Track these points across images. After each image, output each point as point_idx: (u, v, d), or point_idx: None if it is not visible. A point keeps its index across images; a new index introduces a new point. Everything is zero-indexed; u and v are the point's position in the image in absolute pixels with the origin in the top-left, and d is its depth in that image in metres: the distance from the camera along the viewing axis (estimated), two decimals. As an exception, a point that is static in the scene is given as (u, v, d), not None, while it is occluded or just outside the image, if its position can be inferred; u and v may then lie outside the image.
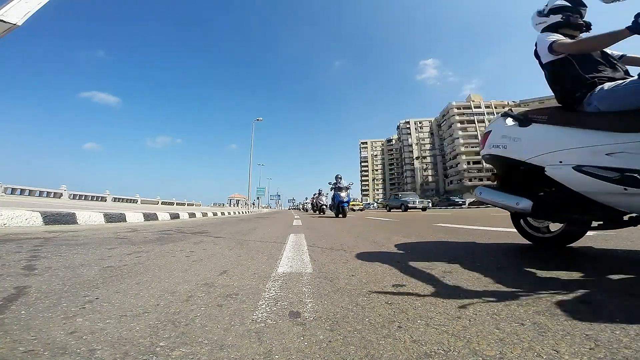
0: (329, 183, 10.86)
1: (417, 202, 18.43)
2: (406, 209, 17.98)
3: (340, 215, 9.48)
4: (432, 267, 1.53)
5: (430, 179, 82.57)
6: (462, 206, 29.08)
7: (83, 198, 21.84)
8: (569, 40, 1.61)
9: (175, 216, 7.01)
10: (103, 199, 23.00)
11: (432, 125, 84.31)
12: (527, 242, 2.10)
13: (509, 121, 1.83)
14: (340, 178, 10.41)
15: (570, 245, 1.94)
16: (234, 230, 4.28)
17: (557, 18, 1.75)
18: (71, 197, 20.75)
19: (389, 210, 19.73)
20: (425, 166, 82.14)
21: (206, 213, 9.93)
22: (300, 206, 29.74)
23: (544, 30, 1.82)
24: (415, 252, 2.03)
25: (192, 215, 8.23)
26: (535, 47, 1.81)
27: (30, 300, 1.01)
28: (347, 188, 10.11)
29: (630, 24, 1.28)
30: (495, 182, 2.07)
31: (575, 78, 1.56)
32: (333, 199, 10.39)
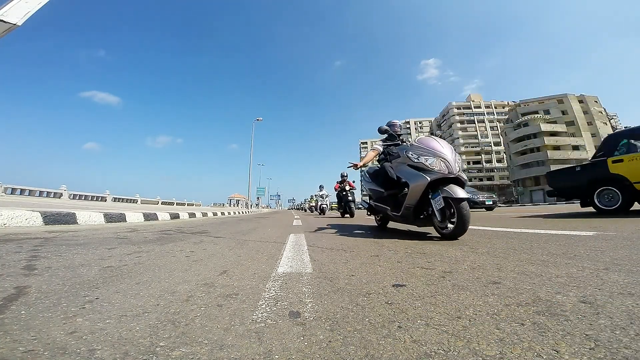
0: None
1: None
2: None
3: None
4: (432, 267, 1.53)
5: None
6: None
7: (83, 198, 21.84)
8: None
9: (175, 216, 7.01)
10: (103, 199, 22.99)
11: (432, 125, 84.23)
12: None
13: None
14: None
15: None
16: (234, 230, 4.28)
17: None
18: (71, 197, 20.74)
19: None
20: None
21: (206, 213, 9.93)
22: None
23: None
24: (416, 252, 2.03)
25: (192, 215, 8.22)
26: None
27: (30, 300, 1.01)
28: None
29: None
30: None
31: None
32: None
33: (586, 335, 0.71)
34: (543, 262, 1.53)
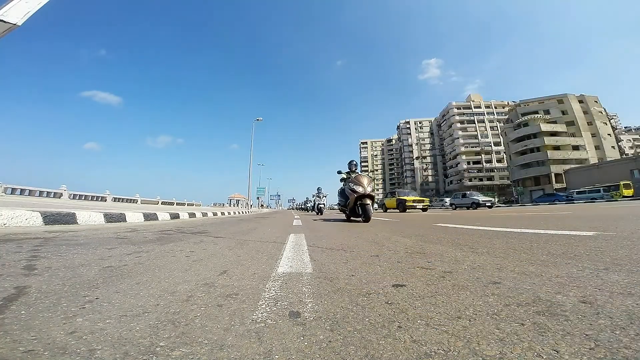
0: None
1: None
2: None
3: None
4: (432, 267, 1.53)
5: (430, 178, 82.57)
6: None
7: (83, 198, 21.84)
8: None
9: (175, 216, 7.01)
10: (103, 199, 23.00)
11: (432, 125, 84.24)
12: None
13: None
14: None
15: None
16: (234, 230, 4.28)
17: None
18: (71, 197, 20.74)
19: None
20: (425, 166, 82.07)
21: (206, 213, 9.93)
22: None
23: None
24: (416, 252, 2.03)
25: (192, 215, 8.22)
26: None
27: (30, 300, 1.01)
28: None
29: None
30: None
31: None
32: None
33: (586, 335, 0.71)
34: (543, 262, 1.53)
